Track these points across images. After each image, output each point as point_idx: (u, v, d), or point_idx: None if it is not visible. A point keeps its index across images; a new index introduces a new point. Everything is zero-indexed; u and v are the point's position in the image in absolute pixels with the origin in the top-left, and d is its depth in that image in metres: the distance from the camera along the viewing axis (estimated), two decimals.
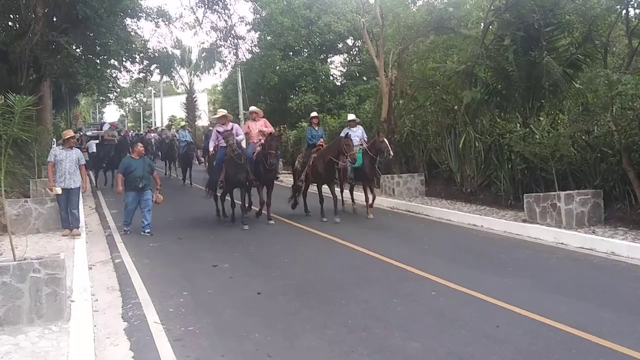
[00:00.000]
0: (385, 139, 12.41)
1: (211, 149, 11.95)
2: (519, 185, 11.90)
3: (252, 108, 13.03)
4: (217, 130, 11.65)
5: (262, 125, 11.98)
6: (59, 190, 9.76)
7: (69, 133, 10.48)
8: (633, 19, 12.41)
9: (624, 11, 12.03)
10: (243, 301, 6.32)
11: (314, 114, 13.40)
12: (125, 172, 10.53)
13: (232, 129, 11.17)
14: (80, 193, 10.58)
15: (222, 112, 12.25)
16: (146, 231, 10.44)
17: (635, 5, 12.24)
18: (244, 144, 12.50)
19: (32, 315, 5.35)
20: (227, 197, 12.02)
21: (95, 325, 5.47)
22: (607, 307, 5.72)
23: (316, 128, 13.02)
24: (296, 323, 5.53)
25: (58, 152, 10.06)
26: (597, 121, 10.35)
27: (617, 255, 7.98)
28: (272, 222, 11.43)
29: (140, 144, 11.34)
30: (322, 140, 12.57)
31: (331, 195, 11.98)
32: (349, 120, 13.52)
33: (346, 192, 13.42)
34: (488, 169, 13.16)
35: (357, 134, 12.71)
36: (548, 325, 5.22)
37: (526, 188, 11.53)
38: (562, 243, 8.93)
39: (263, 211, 11.75)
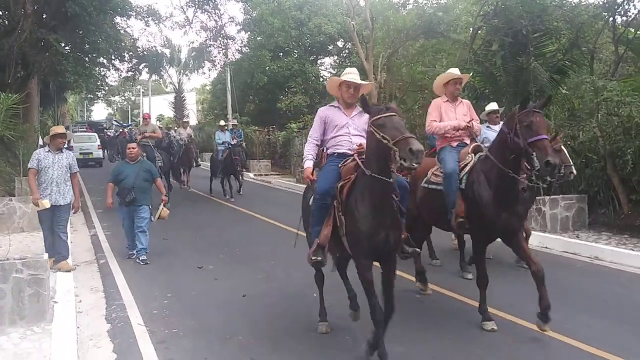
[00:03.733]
0: (562, 147, 7.88)
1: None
2: None
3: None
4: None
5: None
6: (46, 204, 7.33)
7: (58, 129, 7.86)
8: (619, 26, 12.53)
9: (611, 18, 12.14)
10: (227, 303, 6.31)
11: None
12: (115, 181, 8.57)
13: None
14: (70, 212, 7.94)
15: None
16: (140, 258, 8.24)
17: (622, 12, 12.37)
18: None
19: (14, 317, 5.30)
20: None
21: (78, 327, 5.43)
22: (591, 312, 5.78)
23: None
24: (281, 326, 5.52)
25: (43, 156, 7.54)
26: (583, 127, 10.45)
27: (601, 260, 8.05)
28: None
29: (132, 144, 9.17)
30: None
31: None
32: (491, 112, 8.14)
33: None
34: None
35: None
36: (532, 330, 5.25)
37: None
38: (546, 247, 9.00)
39: None
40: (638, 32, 11.79)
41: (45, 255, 5.81)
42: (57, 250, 7.48)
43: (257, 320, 5.69)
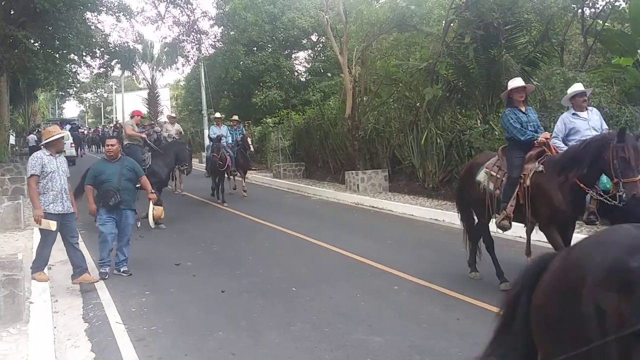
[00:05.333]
0: None
1: None
2: None
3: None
4: None
5: None
6: (52, 226, 6.39)
7: (55, 131, 7.03)
8: (588, 18, 12.77)
9: (580, 10, 12.36)
10: (206, 299, 6.31)
11: None
12: (95, 182, 7.44)
13: None
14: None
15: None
16: (122, 269, 7.36)
17: (590, 4, 12.62)
18: None
19: None
20: None
21: (55, 327, 5.37)
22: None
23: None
24: (260, 320, 5.55)
25: (47, 160, 6.58)
26: (554, 118, 10.60)
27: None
28: None
29: (112, 140, 7.83)
30: (546, 134, 6.20)
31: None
32: (575, 95, 6.45)
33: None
34: (449, 165, 13.37)
35: (592, 123, 6.33)
36: None
37: None
38: (520, 237, 9.13)
39: None
40: (606, 24, 12.03)
41: (20, 255, 5.72)
42: (76, 263, 6.72)
43: (237, 316, 5.70)
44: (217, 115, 15.95)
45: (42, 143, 6.92)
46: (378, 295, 6.29)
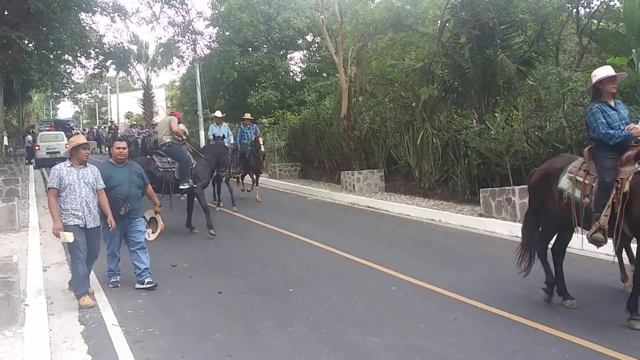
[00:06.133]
0: None
1: None
2: (475, 180, 12.14)
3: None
4: None
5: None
6: (69, 238, 6.03)
7: (79, 139, 6.54)
8: (583, 18, 12.80)
9: (575, 10, 12.39)
10: (203, 301, 6.29)
11: None
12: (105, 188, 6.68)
13: None
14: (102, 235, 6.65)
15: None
16: (146, 281, 6.72)
17: (585, 4, 12.65)
18: None
19: None
20: None
21: (51, 329, 5.34)
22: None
23: None
24: (257, 321, 5.53)
25: (66, 172, 6.17)
26: (550, 117, 10.65)
27: (571, 247, 8.16)
28: None
29: (122, 143, 7.36)
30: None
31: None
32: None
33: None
34: (445, 165, 13.38)
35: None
36: (504, 318, 5.37)
37: (482, 183, 11.78)
38: (516, 236, 9.07)
39: None
40: (601, 24, 12.06)
41: (15, 257, 5.69)
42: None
43: (234, 317, 5.69)
44: (218, 114, 14.69)
45: (64, 153, 6.61)
46: (375, 296, 6.29)
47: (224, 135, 13.63)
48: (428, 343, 4.84)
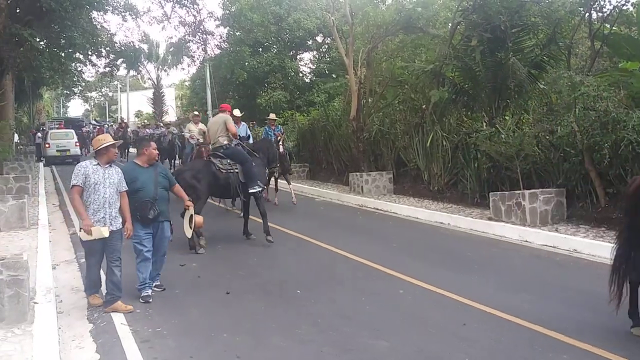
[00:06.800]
0: None
1: None
2: (484, 184, 12.08)
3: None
4: None
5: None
6: (105, 232, 5.74)
7: (106, 139, 6.24)
8: (595, 22, 12.70)
9: (587, 14, 12.30)
10: (211, 301, 6.29)
11: None
12: (129, 190, 6.25)
13: None
14: (123, 240, 6.17)
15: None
16: (154, 284, 6.55)
17: (598, 8, 12.54)
18: None
19: None
20: None
21: (59, 328, 5.36)
22: (569, 304, 5.87)
23: None
24: (265, 323, 5.52)
25: (92, 170, 5.91)
26: (561, 121, 10.57)
27: (579, 252, 8.18)
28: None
29: (154, 143, 6.88)
30: None
31: None
32: None
33: None
34: (455, 168, 13.33)
35: None
36: (513, 323, 5.34)
37: (492, 187, 11.72)
38: (526, 241, 9.12)
39: None
40: (613, 28, 11.97)
41: (25, 255, 5.71)
42: (110, 290, 5.96)
43: (242, 318, 5.68)
44: (237, 112, 13.29)
45: (92, 152, 6.17)
46: (383, 299, 6.27)
47: (248, 136, 12.91)
48: (436, 347, 4.81)
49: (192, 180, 8.78)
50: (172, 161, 21.17)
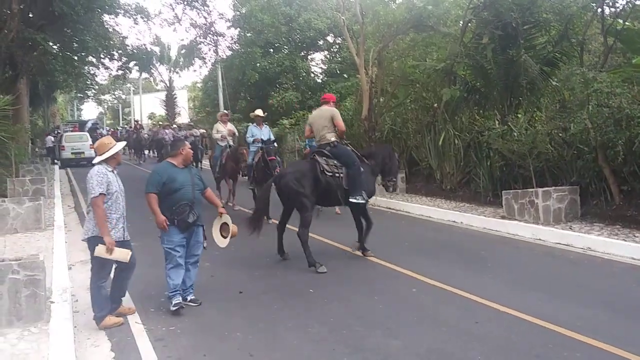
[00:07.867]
0: None
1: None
2: (497, 182, 12.03)
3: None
4: None
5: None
6: (127, 257, 5.40)
7: (111, 142, 5.71)
8: (608, 17, 12.59)
9: (599, 9, 12.20)
10: (224, 300, 6.33)
11: None
12: (162, 191, 5.93)
13: None
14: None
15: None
16: (189, 299, 6.14)
17: (611, 3, 12.44)
18: None
19: (11, 317, 5.31)
20: None
21: (75, 326, 5.43)
22: (583, 303, 5.84)
23: None
24: (278, 322, 5.55)
25: (112, 178, 5.50)
26: (574, 118, 10.50)
27: (594, 250, 8.12)
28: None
29: (188, 145, 6.47)
30: None
31: None
32: None
33: None
34: (467, 166, 13.29)
35: None
36: (526, 321, 5.31)
37: (505, 185, 11.67)
38: (539, 239, 9.07)
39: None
40: (627, 23, 11.86)
41: (41, 256, 5.78)
42: (115, 298, 5.74)
43: (255, 317, 5.71)
44: (259, 112, 12.41)
45: (101, 159, 5.54)
46: (396, 298, 6.26)
47: (274, 140, 12.18)
48: (449, 346, 4.81)
49: (298, 186, 7.78)
50: (197, 165, 20.62)
